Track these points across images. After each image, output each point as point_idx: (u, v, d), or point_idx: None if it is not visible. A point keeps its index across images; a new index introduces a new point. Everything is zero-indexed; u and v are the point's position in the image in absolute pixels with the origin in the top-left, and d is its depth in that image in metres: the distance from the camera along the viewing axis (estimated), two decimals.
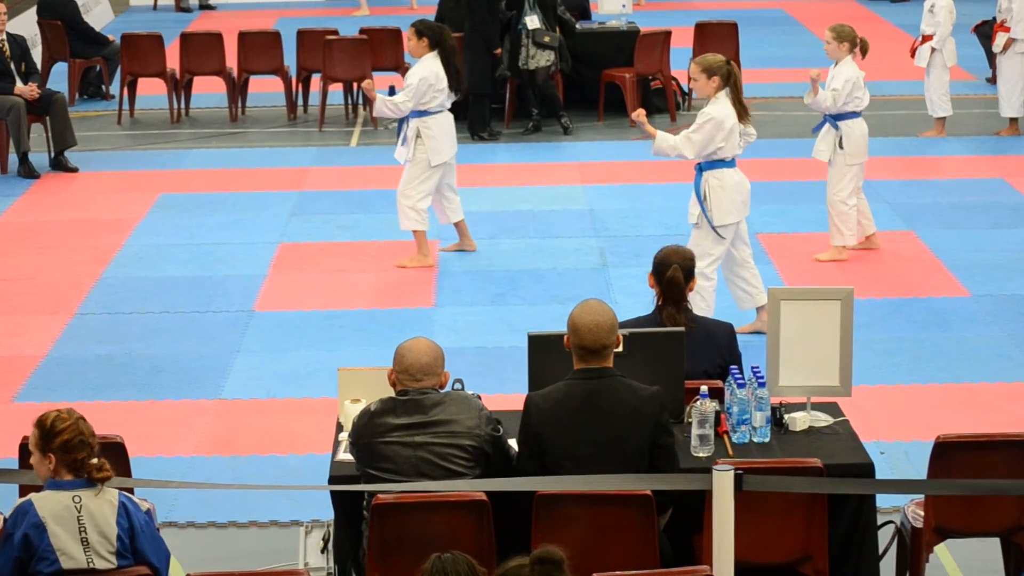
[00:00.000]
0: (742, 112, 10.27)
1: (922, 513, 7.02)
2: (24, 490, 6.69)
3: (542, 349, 7.01)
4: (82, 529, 5.90)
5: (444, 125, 12.06)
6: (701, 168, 10.40)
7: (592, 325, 6.49)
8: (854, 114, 11.95)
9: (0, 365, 10.53)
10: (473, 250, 12.53)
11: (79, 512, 5.90)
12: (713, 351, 7.59)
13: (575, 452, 6.46)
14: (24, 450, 6.94)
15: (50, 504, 5.89)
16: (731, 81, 10.25)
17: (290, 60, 17.28)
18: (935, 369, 10.26)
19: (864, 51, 12.09)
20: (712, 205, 10.30)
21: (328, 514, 7.21)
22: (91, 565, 5.91)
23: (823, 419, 7.21)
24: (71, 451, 5.91)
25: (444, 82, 11.92)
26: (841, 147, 11.90)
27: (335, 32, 17.44)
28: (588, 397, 6.49)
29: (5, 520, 5.98)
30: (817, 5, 24.09)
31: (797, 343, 7.13)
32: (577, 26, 16.93)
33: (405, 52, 17.27)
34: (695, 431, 6.85)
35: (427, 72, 11.88)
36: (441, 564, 4.93)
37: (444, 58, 11.95)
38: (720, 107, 10.25)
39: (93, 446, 5.96)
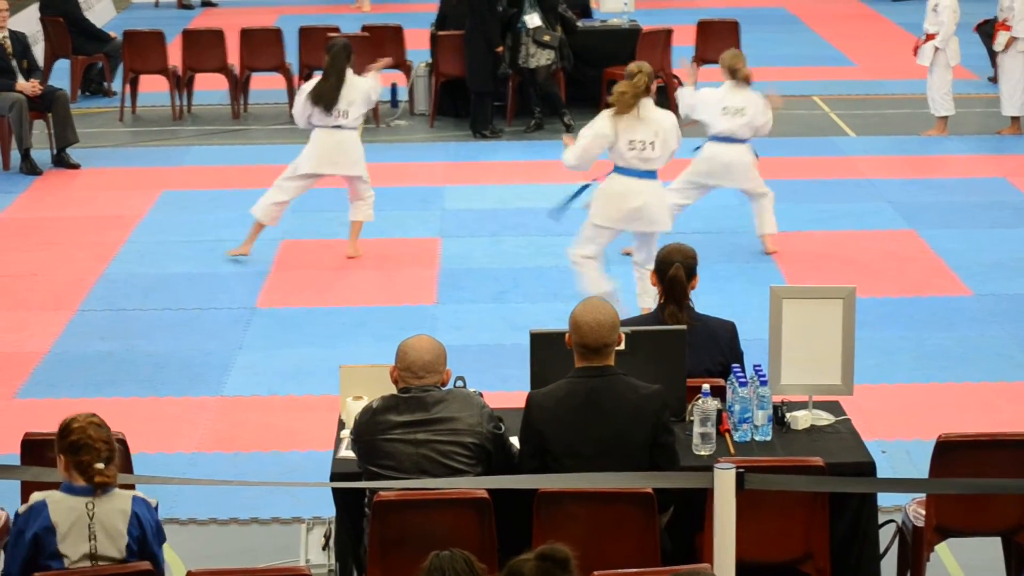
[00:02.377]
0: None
1: (923, 512, 7.02)
2: (26, 486, 6.70)
3: (544, 347, 7.01)
4: (92, 536, 5.91)
5: (315, 140, 12.21)
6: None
7: (594, 324, 6.49)
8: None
9: (2, 361, 10.54)
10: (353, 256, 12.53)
11: (91, 519, 5.91)
12: (715, 349, 7.59)
13: (576, 450, 6.46)
14: (26, 446, 6.97)
15: (63, 508, 5.90)
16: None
17: (292, 57, 17.28)
18: (937, 368, 10.26)
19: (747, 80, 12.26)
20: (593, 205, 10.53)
21: (329, 511, 7.21)
22: (96, 563, 5.92)
23: (825, 418, 7.22)
24: (76, 452, 5.92)
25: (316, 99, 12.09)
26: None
27: (337, 29, 17.42)
28: (589, 395, 6.49)
29: (16, 516, 5.98)
30: (819, 3, 24.10)
31: (799, 342, 7.13)
32: (579, 24, 16.93)
33: (407, 50, 17.32)
34: (697, 429, 6.85)
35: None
36: (440, 562, 4.92)
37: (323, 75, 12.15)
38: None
39: (100, 451, 5.93)
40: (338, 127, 12.12)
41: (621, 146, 10.28)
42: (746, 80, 12.15)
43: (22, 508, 5.97)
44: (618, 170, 10.42)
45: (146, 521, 5.99)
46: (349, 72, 12.10)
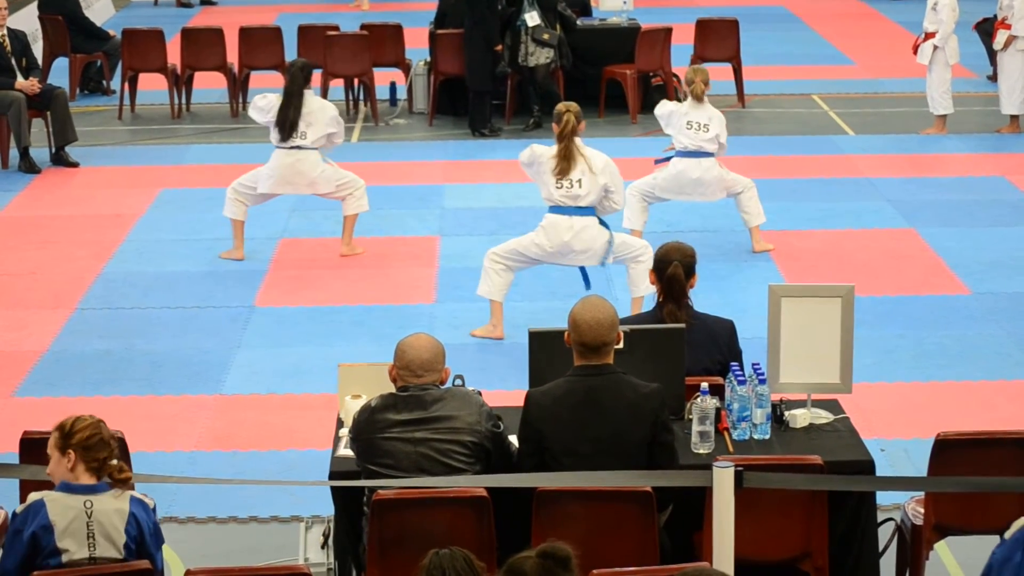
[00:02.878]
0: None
1: (922, 510, 7.02)
2: (24, 484, 6.70)
3: (543, 345, 7.01)
4: (90, 535, 5.91)
5: (274, 160, 12.22)
6: None
7: (593, 322, 6.49)
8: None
9: (1, 360, 10.53)
10: (345, 255, 12.49)
11: (89, 518, 5.91)
12: (714, 348, 7.59)
13: (575, 448, 6.46)
14: (25, 445, 6.96)
15: (61, 507, 5.89)
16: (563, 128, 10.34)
17: (291, 56, 17.24)
18: (935, 367, 10.26)
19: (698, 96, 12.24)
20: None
21: (328, 510, 7.20)
22: (95, 562, 5.92)
23: (823, 416, 7.21)
24: (91, 449, 5.91)
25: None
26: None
27: (336, 28, 17.44)
28: (588, 393, 6.49)
29: (14, 515, 5.97)
30: (818, 2, 24.11)
31: (798, 340, 7.13)
32: (578, 22, 16.93)
33: (406, 48, 17.32)
34: (695, 428, 6.85)
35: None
36: (439, 560, 4.92)
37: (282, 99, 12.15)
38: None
39: (113, 448, 5.97)
40: (297, 147, 12.14)
41: (548, 181, 10.38)
42: (698, 97, 12.14)
43: (19, 508, 5.96)
44: (550, 209, 10.54)
45: (143, 522, 5.99)
46: (308, 93, 12.13)
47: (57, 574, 5.86)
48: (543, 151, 10.41)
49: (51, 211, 13.82)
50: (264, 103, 12.21)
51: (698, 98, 12.15)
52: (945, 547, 7.66)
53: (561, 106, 10.43)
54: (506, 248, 10.66)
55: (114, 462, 5.96)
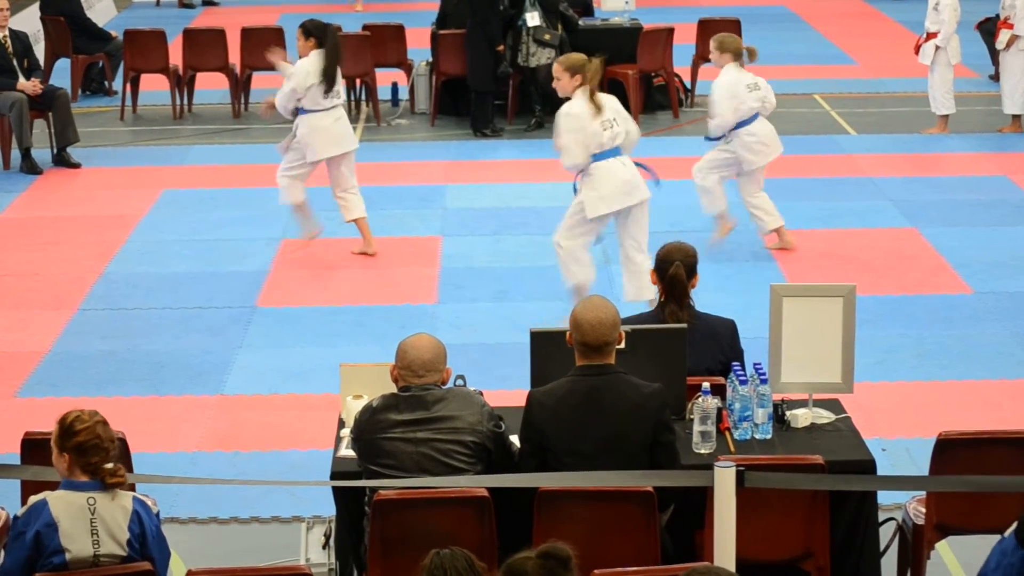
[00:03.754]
0: (596, 109, 10.25)
1: (924, 510, 7.02)
2: (26, 485, 6.70)
3: (544, 345, 7.01)
4: (94, 531, 5.90)
5: (319, 124, 12.16)
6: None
7: (595, 322, 6.49)
8: (750, 120, 12.06)
9: (3, 360, 10.54)
10: (373, 254, 12.49)
11: (92, 514, 5.90)
12: (715, 347, 7.58)
13: (577, 449, 6.46)
14: (27, 445, 6.96)
15: (64, 504, 5.89)
16: (586, 79, 10.22)
17: (293, 56, 17.24)
18: (937, 366, 10.26)
19: (752, 57, 12.13)
20: (585, 199, 10.36)
21: (330, 510, 7.21)
22: (99, 561, 5.92)
23: (825, 416, 7.21)
24: (84, 453, 5.90)
25: (318, 80, 12.07)
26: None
27: (338, 28, 17.41)
28: (590, 394, 6.49)
29: (16, 518, 5.97)
30: (821, 2, 24.10)
31: (799, 340, 7.13)
32: (580, 22, 16.92)
33: (408, 49, 17.33)
34: (697, 428, 6.85)
35: (299, 71, 12.09)
36: (440, 560, 4.92)
37: (327, 57, 12.09)
38: (576, 104, 10.28)
39: (108, 450, 5.93)
40: (333, 107, 12.24)
41: (596, 129, 10.29)
42: (749, 56, 12.10)
43: (21, 511, 5.95)
44: (593, 157, 10.37)
45: (147, 522, 5.99)
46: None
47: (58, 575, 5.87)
48: (580, 106, 10.24)
49: (53, 212, 13.83)
50: (300, 74, 12.09)
51: (752, 57, 12.10)
52: (946, 547, 7.66)
53: (576, 57, 10.35)
54: (568, 228, 10.53)
55: (108, 465, 5.92)
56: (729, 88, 12.00)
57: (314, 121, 12.13)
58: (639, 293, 10.57)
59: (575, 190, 10.54)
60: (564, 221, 10.64)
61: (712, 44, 12.21)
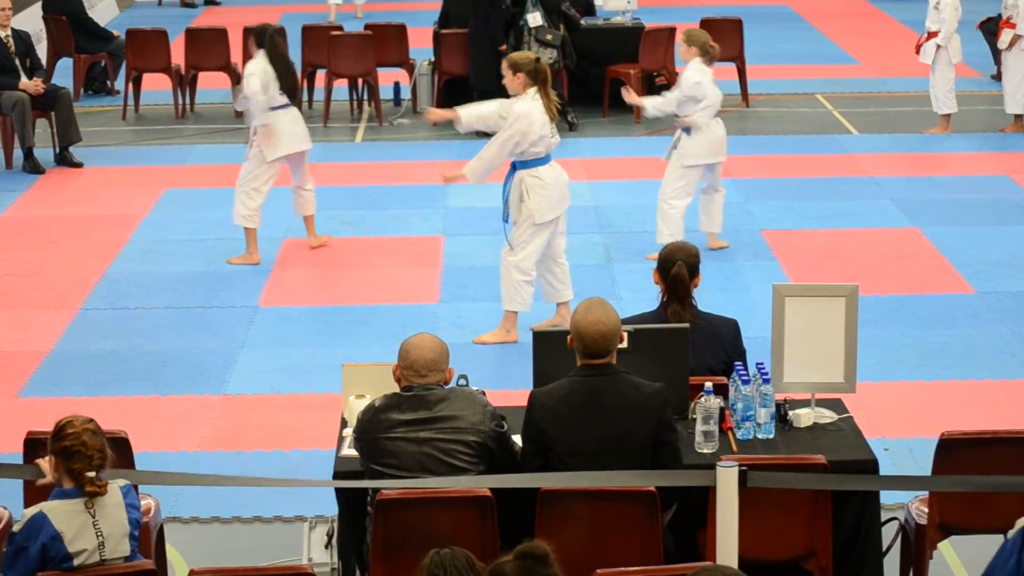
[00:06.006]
0: (551, 112, 10.25)
1: (926, 510, 7.02)
2: (28, 485, 6.70)
3: (546, 345, 7.01)
4: (99, 533, 5.92)
5: (278, 123, 12.18)
6: (515, 166, 10.40)
7: (596, 334, 6.48)
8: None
9: (5, 360, 10.54)
10: (322, 245, 12.55)
11: (94, 518, 5.91)
12: (718, 347, 7.59)
13: (579, 448, 6.46)
14: (29, 445, 6.96)
15: (63, 514, 5.89)
16: (539, 79, 10.19)
17: (295, 56, 17.26)
18: (939, 366, 10.26)
19: (714, 54, 12.11)
20: (532, 203, 10.36)
21: (332, 510, 7.21)
22: (106, 560, 5.93)
23: (827, 415, 7.22)
24: (68, 458, 5.92)
25: (272, 78, 12.09)
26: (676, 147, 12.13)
27: (340, 28, 17.44)
28: (592, 393, 6.49)
29: (13, 535, 5.93)
30: (822, 1, 24.09)
31: (802, 340, 7.13)
32: (582, 22, 16.92)
33: (410, 48, 17.33)
34: (699, 427, 6.85)
35: (257, 71, 12.10)
36: (440, 559, 4.92)
37: (269, 56, 12.11)
38: (524, 103, 10.23)
39: (92, 459, 5.91)
40: (287, 105, 12.29)
41: (546, 132, 10.33)
42: (715, 57, 12.12)
43: (18, 525, 5.93)
44: (539, 161, 10.39)
45: (135, 502, 6.04)
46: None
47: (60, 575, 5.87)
48: (533, 108, 10.20)
49: (55, 211, 13.83)
50: (258, 85, 12.10)
51: (714, 58, 12.12)
52: (949, 546, 7.66)
53: (523, 56, 10.32)
54: (525, 258, 10.52)
55: (90, 474, 5.91)
56: (698, 88, 11.98)
57: (274, 119, 12.16)
58: (560, 295, 10.81)
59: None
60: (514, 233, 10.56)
61: (681, 37, 12.23)
